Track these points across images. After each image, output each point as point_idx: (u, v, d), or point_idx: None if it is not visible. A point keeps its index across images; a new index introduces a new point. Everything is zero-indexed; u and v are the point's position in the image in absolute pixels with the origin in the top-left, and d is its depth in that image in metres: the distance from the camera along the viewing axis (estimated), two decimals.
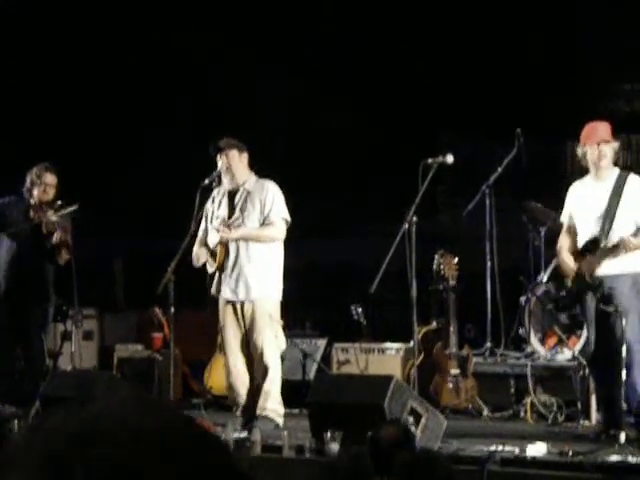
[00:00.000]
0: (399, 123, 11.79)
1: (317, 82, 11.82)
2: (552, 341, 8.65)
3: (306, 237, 9.71)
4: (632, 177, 7.13)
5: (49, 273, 8.84)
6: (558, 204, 7.56)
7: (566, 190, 7.42)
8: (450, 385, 8.46)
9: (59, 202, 8.71)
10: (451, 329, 8.53)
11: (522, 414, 8.28)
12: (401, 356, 9.02)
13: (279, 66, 11.79)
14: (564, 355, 8.53)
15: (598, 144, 7.04)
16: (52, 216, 8.61)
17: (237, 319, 7.64)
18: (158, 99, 11.99)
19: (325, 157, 11.80)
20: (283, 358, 8.55)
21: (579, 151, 7.18)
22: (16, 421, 7.07)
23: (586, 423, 7.74)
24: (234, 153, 7.68)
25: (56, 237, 8.55)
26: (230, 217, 7.68)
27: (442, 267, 8.58)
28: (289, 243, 7.79)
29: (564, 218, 7.36)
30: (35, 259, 8.73)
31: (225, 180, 7.73)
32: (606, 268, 7.00)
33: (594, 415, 7.72)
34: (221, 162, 7.70)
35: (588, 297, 7.07)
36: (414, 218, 7.30)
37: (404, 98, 11.78)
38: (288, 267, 7.80)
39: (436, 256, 8.65)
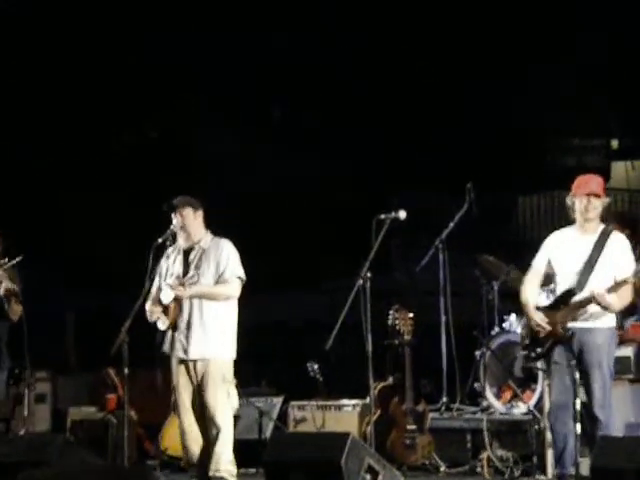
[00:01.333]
0: (355, 179, 11.88)
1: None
2: (507, 395, 8.67)
3: (261, 294, 9.69)
4: (616, 233, 7.13)
5: (2, 332, 8.77)
6: (510, 257, 7.60)
7: (518, 243, 7.46)
8: (407, 441, 8.45)
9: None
10: (407, 384, 8.53)
11: (479, 469, 8.28)
12: (358, 412, 8.99)
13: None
14: (519, 409, 8.55)
15: (588, 196, 7.05)
16: None
17: (190, 378, 7.57)
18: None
19: (282, 216, 11.85)
20: (238, 417, 8.48)
21: (568, 201, 7.14)
22: None
23: (542, 477, 7.74)
24: (188, 211, 7.67)
25: (3, 288, 8.56)
26: (185, 275, 7.65)
27: (397, 322, 8.60)
28: (244, 300, 7.76)
29: (536, 263, 7.22)
30: None
31: (180, 238, 7.71)
32: (580, 321, 6.97)
33: (550, 470, 7.72)
34: (175, 220, 7.69)
35: (557, 348, 7.02)
36: (368, 273, 7.31)
37: (359, 155, 11.88)
38: (243, 324, 7.76)
39: (391, 311, 8.67)
